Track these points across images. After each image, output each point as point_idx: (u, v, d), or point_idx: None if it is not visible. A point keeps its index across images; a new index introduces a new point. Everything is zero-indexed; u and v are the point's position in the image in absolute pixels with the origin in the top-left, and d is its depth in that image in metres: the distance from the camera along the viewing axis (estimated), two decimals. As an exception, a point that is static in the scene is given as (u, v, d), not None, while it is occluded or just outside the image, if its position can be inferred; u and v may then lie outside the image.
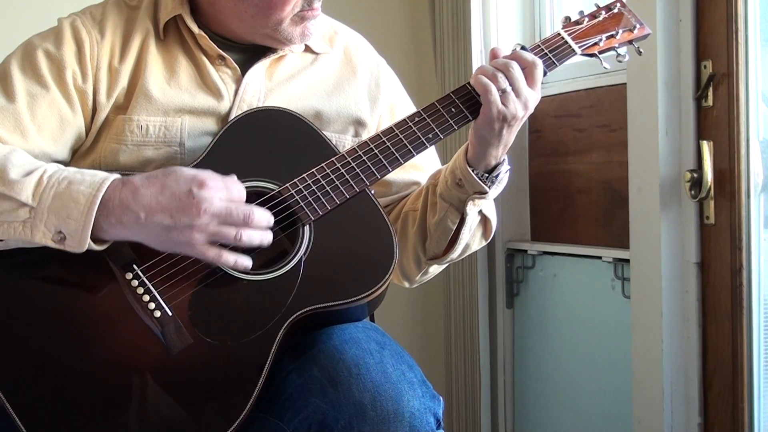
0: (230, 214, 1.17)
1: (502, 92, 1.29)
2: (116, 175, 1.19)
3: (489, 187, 1.35)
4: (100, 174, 1.19)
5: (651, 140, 1.92)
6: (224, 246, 1.19)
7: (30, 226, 1.16)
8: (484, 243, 1.46)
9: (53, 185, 1.17)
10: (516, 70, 1.30)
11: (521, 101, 1.30)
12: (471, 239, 1.42)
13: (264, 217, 1.20)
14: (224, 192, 1.17)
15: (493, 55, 1.35)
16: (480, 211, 1.39)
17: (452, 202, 1.37)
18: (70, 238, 1.15)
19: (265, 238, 1.20)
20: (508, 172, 1.39)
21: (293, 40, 1.38)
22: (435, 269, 1.48)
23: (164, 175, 1.18)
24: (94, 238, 1.16)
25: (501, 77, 1.30)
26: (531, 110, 1.33)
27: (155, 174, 1.18)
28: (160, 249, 1.19)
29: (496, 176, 1.36)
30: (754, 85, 1.81)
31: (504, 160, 1.37)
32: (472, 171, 1.34)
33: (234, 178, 1.20)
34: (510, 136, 1.33)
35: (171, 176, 1.17)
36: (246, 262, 1.20)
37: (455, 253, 1.42)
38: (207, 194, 1.15)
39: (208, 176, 1.17)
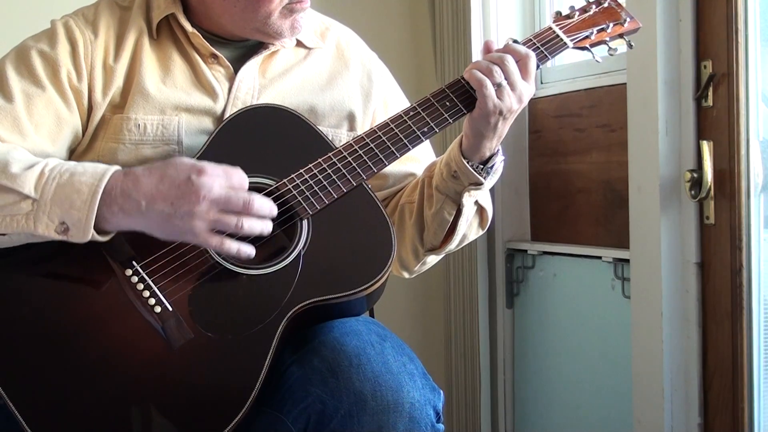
0: (230, 201, 1.17)
1: (498, 86, 1.30)
2: (117, 167, 1.20)
3: (484, 178, 1.36)
4: (102, 165, 1.20)
5: (651, 140, 1.92)
6: (228, 235, 1.19)
7: (33, 218, 1.16)
8: (481, 232, 1.48)
9: (55, 177, 1.18)
10: (511, 63, 1.32)
11: (516, 94, 1.31)
12: (468, 229, 1.43)
13: (265, 204, 1.20)
14: (224, 179, 1.18)
15: (487, 48, 1.36)
16: (476, 201, 1.39)
17: (448, 194, 1.38)
18: (74, 228, 1.15)
19: (266, 227, 1.20)
20: (503, 162, 1.40)
21: (283, 34, 1.38)
22: (432, 259, 1.48)
23: (164, 165, 1.19)
24: (97, 229, 1.16)
25: (496, 71, 1.31)
26: (525, 103, 1.34)
27: (156, 165, 1.19)
28: (164, 238, 1.19)
29: (491, 167, 1.37)
30: (754, 85, 1.81)
31: (498, 150, 1.38)
32: (467, 162, 1.35)
33: (237, 168, 1.20)
34: (504, 128, 1.34)
35: (170, 165, 1.18)
36: (249, 250, 1.20)
37: (453, 244, 1.43)
38: (206, 181, 1.16)
39: (208, 164, 1.18)
